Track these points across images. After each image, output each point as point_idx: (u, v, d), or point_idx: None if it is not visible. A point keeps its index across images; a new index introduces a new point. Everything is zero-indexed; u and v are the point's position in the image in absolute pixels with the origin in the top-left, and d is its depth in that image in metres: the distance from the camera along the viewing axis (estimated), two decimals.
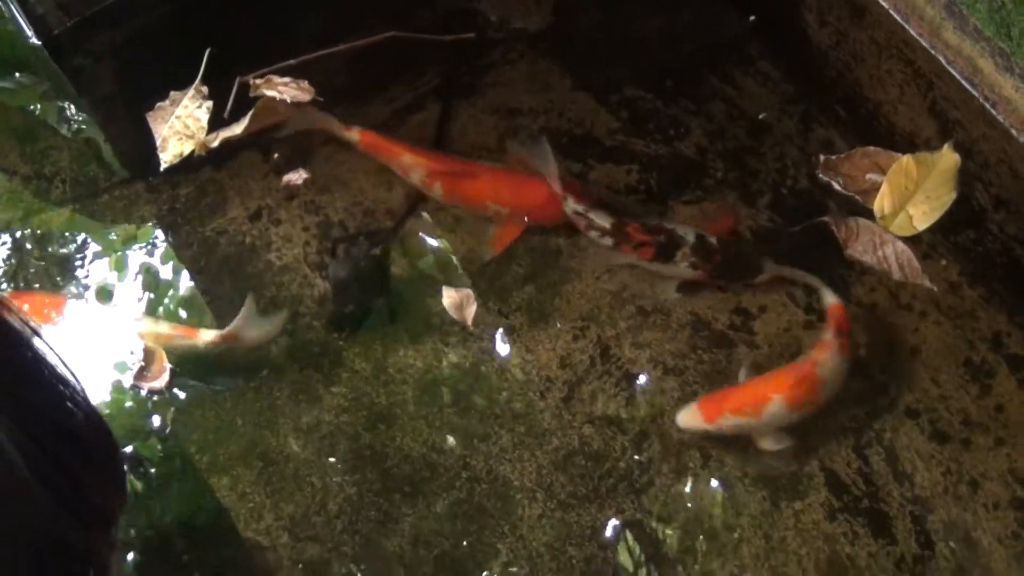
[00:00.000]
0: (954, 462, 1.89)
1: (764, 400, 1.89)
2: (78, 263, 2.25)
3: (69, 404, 0.71)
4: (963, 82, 2.13)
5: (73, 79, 2.44)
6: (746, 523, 1.87)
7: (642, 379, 2.01)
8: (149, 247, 2.26)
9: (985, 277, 2.06)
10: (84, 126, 2.44)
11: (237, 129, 2.13)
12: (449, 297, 2.11)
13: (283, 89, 2.13)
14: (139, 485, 2.03)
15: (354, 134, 2.23)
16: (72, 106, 2.47)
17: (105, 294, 2.21)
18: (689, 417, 1.93)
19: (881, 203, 2.04)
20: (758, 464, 1.91)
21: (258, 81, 2.13)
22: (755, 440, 1.92)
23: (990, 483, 1.87)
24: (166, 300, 2.20)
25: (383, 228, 2.22)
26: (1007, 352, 1.99)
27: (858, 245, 2.07)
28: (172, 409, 2.06)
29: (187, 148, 2.12)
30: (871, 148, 2.12)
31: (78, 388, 0.73)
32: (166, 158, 2.12)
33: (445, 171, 2.19)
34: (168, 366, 2.06)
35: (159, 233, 2.26)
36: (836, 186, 2.10)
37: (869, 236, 2.06)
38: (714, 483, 1.91)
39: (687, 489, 1.91)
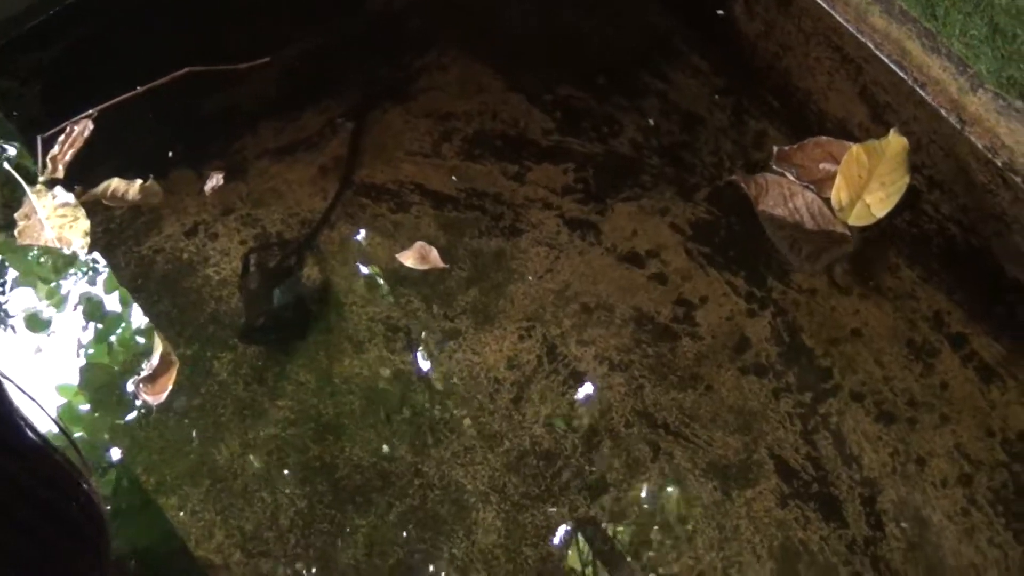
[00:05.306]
0: (901, 442, 1.91)
1: None
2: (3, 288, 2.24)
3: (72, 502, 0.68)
4: (892, 65, 2.16)
5: (0, 102, 2.41)
6: (699, 514, 1.87)
7: (589, 376, 2.01)
8: (83, 270, 2.23)
9: (923, 257, 2.08)
10: (13, 150, 2.41)
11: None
12: (406, 257, 2.12)
13: (68, 156, 2.26)
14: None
15: None
16: None
17: (37, 320, 2.19)
18: None
19: (838, 195, 2.05)
20: (708, 455, 1.92)
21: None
22: None
23: (937, 460, 1.89)
24: (104, 321, 2.18)
25: (297, 238, 2.21)
26: (948, 331, 2.01)
27: (768, 199, 2.08)
28: (120, 430, 2.04)
29: (86, 224, 2.19)
30: (823, 138, 2.13)
31: (82, 485, 0.69)
32: (80, 243, 2.18)
33: None
34: (171, 386, 2.05)
35: (94, 255, 2.24)
36: (791, 176, 2.11)
37: (778, 189, 2.08)
38: (665, 476, 1.91)
39: (639, 484, 1.91)
